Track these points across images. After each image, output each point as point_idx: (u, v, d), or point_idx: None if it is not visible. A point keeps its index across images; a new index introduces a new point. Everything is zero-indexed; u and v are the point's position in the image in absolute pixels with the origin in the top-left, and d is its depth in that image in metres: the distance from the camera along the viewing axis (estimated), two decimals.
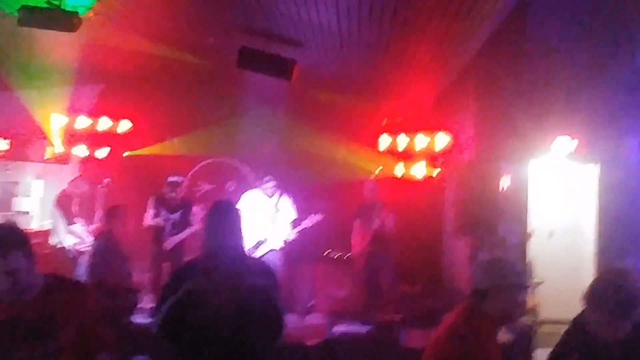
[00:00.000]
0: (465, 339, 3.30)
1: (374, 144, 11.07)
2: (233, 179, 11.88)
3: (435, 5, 6.45)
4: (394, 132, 10.94)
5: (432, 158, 10.71)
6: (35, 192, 12.04)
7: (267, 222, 9.14)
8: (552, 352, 4.14)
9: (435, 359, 3.42)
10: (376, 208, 9.68)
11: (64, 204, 9.85)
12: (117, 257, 7.66)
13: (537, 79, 8.78)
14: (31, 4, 6.75)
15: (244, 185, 10.78)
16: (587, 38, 8.71)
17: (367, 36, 7.74)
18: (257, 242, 9.08)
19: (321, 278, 10.40)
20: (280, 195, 9.28)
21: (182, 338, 3.97)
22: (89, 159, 11.79)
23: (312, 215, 9.30)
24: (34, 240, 9.57)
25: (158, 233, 9.34)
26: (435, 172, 10.68)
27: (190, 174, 12.01)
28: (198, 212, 9.52)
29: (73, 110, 11.73)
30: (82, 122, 11.67)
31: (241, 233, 4.20)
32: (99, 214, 9.72)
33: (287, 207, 9.28)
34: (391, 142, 10.91)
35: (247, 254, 4.40)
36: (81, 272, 8.78)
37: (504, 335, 7.15)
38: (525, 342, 7.77)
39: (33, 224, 11.66)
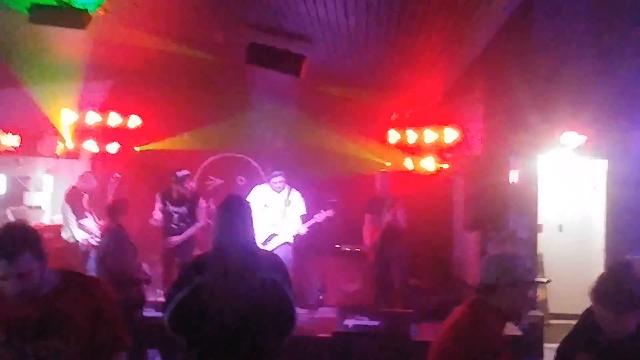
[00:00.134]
0: (472, 333, 3.31)
1: (382, 139, 11.06)
2: (243, 173, 11.92)
3: (444, 1, 6.46)
4: (402, 126, 10.93)
5: (441, 153, 10.70)
6: (47, 186, 12.10)
7: (277, 216, 9.17)
8: (560, 346, 4.16)
9: (443, 352, 3.42)
10: (387, 202, 9.68)
11: (74, 199, 9.92)
12: (129, 250, 7.70)
13: (545, 73, 8.79)
14: (41, 2, 6.78)
15: (254, 180, 10.81)
16: (594, 33, 8.71)
17: (376, 31, 7.73)
18: (268, 236, 9.12)
19: (331, 271, 10.43)
20: (290, 189, 9.31)
21: (191, 332, 3.99)
22: (100, 154, 11.84)
23: (323, 210, 9.33)
24: (45, 235, 9.65)
25: (167, 228, 9.38)
26: (444, 166, 10.67)
27: (200, 168, 12.06)
28: (204, 206, 9.56)
29: (83, 106, 11.76)
30: (92, 118, 11.70)
31: (252, 227, 4.20)
32: None
33: (297, 201, 9.31)
34: (400, 137, 10.90)
35: (258, 248, 4.42)
36: (92, 266, 8.82)
37: (513, 329, 7.18)
38: (534, 335, 7.79)
39: (44, 218, 11.72)
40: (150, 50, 9.46)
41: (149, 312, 7.94)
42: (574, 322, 4.14)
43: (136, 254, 8.16)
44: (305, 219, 9.28)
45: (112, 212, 7.81)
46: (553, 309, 9.74)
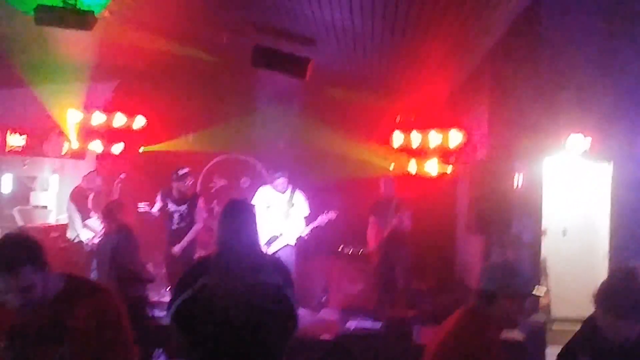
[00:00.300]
0: (469, 342, 3.30)
1: (387, 141, 11.06)
2: (247, 175, 11.95)
3: (449, 4, 6.47)
4: (407, 129, 10.93)
5: (445, 156, 10.69)
6: (52, 186, 12.16)
7: (281, 217, 9.18)
8: (562, 351, 4.16)
9: (439, 358, 3.43)
10: (392, 205, 9.66)
11: (79, 199, 9.96)
12: (137, 249, 7.72)
13: (551, 76, 8.79)
14: (47, 3, 6.80)
15: (258, 181, 10.83)
16: (600, 37, 8.71)
17: (381, 34, 7.74)
18: (272, 237, 9.13)
19: (334, 273, 10.43)
20: (294, 190, 9.32)
21: (194, 332, 4.01)
22: (105, 155, 11.88)
23: (326, 212, 9.33)
24: (51, 234, 9.67)
25: (167, 230, 9.39)
26: (448, 169, 10.67)
27: (204, 169, 12.09)
28: (202, 206, 9.56)
29: (89, 107, 11.80)
30: (98, 118, 11.73)
31: (256, 230, 4.23)
32: None
33: (300, 202, 9.32)
34: (404, 139, 10.90)
35: (262, 251, 4.44)
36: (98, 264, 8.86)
37: (516, 333, 7.19)
38: (537, 339, 7.78)
39: (50, 217, 11.78)
40: (155, 51, 9.51)
41: (153, 312, 7.97)
42: (577, 326, 4.14)
43: (139, 253, 8.19)
44: (308, 220, 9.28)
45: (108, 214, 7.80)
46: (556, 312, 9.73)
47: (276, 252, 8.97)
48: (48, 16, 6.82)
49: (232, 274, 4.00)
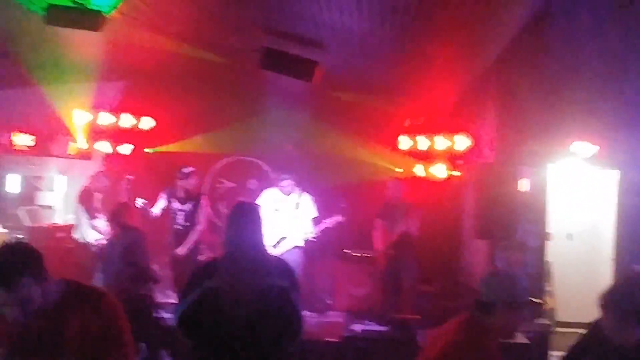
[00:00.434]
0: (468, 351, 3.28)
1: (394, 145, 11.06)
2: (255, 177, 11.97)
3: (458, 10, 6.49)
4: (414, 133, 10.93)
5: (451, 160, 10.69)
6: (59, 187, 12.19)
7: (287, 219, 9.20)
8: (566, 355, 4.17)
9: None
10: (400, 209, 9.65)
11: (86, 199, 9.98)
12: (146, 249, 7.77)
13: (558, 82, 8.79)
14: (57, 3, 6.83)
15: (266, 183, 10.85)
16: (608, 43, 8.71)
17: (389, 39, 7.76)
18: (278, 240, 9.14)
19: (340, 276, 10.45)
20: (301, 192, 9.33)
21: (200, 334, 4.05)
22: (112, 155, 11.91)
23: (332, 216, 9.34)
24: (57, 234, 9.70)
25: (171, 230, 9.43)
26: (454, 173, 10.67)
27: (212, 171, 12.12)
28: (206, 205, 9.57)
29: (96, 107, 11.81)
30: (105, 119, 11.75)
31: (262, 233, 4.27)
32: None
33: (308, 204, 9.33)
34: (411, 143, 10.90)
35: (268, 254, 4.47)
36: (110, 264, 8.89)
37: (520, 337, 7.20)
38: (541, 343, 7.79)
39: (57, 218, 11.81)
40: (164, 52, 9.53)
41: (159, 314, 8.01)
42: (581, 330, 4.16)
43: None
44: (316, 222, 9.30)
45: (115, 217, 7.82)
46: (560, 317, 9.73)
47: (283, 254, 8.99)
48: (58, 16, 6.86)
49: (239, 277, 4.03)
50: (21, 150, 11.52)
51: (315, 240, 9.37)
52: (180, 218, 9.31)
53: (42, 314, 3.15)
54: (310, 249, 9.57)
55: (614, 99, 8.64)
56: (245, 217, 4.28)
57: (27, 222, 10.92)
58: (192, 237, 9.27)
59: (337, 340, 8.11)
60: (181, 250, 9.16)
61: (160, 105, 11.62)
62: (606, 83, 8.72)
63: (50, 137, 11.82)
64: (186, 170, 9.32)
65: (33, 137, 11.58)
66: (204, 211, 9.46)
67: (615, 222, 9.47)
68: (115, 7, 7.20)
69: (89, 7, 6.91)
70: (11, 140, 11.42)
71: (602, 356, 3.74)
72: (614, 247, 9.43)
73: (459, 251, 11.43)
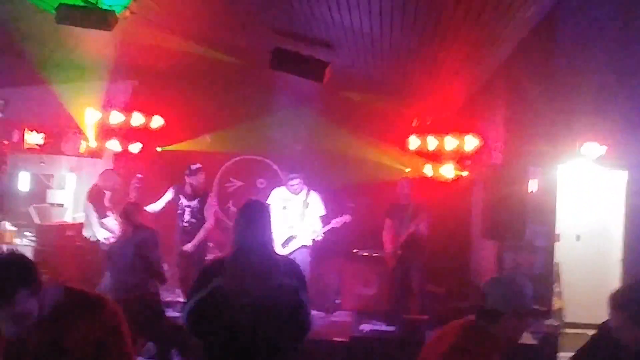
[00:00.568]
0: (469, 357, 3.27)
1: (403, 145, 11.06)
2: (263, 176, 11.99)
3: (468, 11, 6.48)
4: (423, 133, 10.93)
5: (460, 160, 10.69)
6: (69, 185, 12.23)
7: (296, 218, 9.22)
8: (575, 356, 4.17)
9: None
10: (409, 209, 9.64)
11: (96, 198, 10.01)
12: (158, 247, 7.80)
13: (567, 84, 8.79)
14: (68, 2, 6.85)
15: (274, 183, 10.86)
16: (617, 43, 8.70)
17: (399, 39, 7.76)
18: (287, 239, 9.16)
19: (348, 276, 10.44)
20: (309, 191, 9.34)
21: (208, 333, 4.07)
22: (122, 154, 11.94)
23: (341, 216, 9.35)
24: (67, 232, 9.72)
25: (178, 226, 9.46)
26: (463, 174, 10.67)
27: (221, 170, 12.14)
28: (213, 203, 9.59)
29: (107, 106, 11.85)
30: (116, 118, 11.77)
31: (271, 233, 4.28)
32: None
33: (316, 203, 9.34)
34: (420, 143, 10.90)
35: (276, 253, 4.49)
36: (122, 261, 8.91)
37: (528, 338, 7.20)
38: (550, 344, 7.79)
39: (67, 216, 11.85)
40: (174, 52, 9.56)
41: (168, 312, 8.04)
42: (590, 331, 4.15)
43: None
44: (324, 220, 9.31)
45: (125, 216, 7.85)
46: (569, 318, 9.73)
47: (292, 253, 9.01)
48: (69, 15, 6.85)
49: (247, 276, 4.03)
50: (32, 148, 11.55)
51: (323, 239, 9.37)
52: (187, 215, 9.36)
53: (40, 325, 3.05)
54: (319, 249, 9.58)
55: (623, 100, 8.64)
56: (254, 215, 4.29)
57: (37, 220, 10.95)
58: (201, 234, 9.30)
59: (345, 340, 8.13)
60: (189, 247, 9.19)
61: (170, 104, 11.64)
62: (615, 84, 8.72)
63: (61, 136, 11.85)
64: (193, 166, 9.38)
65: (44, 135, 11.61)
66: (211, 208, 9.49)
67: (624, 223, 9.47)
68: (125, 6, 7.23)
69: (99, 6, 6.93)
70: (22, 138, 11.46)
71: (612, 358, 3.73)
72: (622, 248, 9.43)
73: (468, 251, 11.43)
